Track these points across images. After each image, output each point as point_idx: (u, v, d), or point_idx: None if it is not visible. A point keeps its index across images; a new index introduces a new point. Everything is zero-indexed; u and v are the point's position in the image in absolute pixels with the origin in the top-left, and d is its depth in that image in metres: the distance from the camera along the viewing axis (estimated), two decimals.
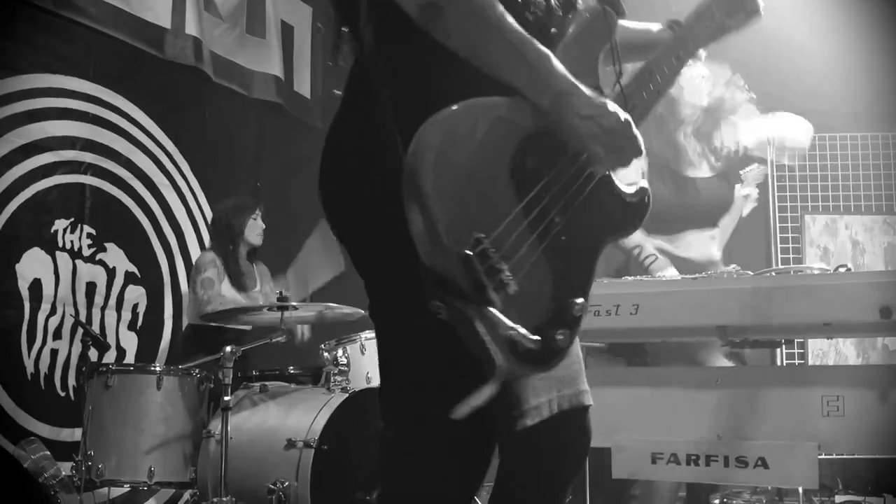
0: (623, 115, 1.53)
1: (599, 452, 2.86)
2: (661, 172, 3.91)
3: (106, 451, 3.73)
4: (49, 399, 4.35)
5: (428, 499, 1.57)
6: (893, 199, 6.10)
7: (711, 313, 2.75)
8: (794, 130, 4.27)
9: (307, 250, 4.79)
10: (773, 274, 2.96)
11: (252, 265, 4.79)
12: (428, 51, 1.50)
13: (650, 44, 1.86)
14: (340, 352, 4.06)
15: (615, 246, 3.85)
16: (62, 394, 4.42)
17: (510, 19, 1.48)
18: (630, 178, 1.70)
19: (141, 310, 4.90)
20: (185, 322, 4.91)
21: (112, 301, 4.73)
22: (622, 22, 1.78)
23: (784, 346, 5.24)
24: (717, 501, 4.48)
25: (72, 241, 4.52)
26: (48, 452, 3.81)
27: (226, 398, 3.70)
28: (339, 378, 3.96)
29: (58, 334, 4.42)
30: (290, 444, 3.61)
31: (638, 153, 1.57)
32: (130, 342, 4.83)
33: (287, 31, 6.10)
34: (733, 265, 3.41)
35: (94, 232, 4.64)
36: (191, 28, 5.15)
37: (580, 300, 1.52)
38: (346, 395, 3.79)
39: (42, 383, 4.35)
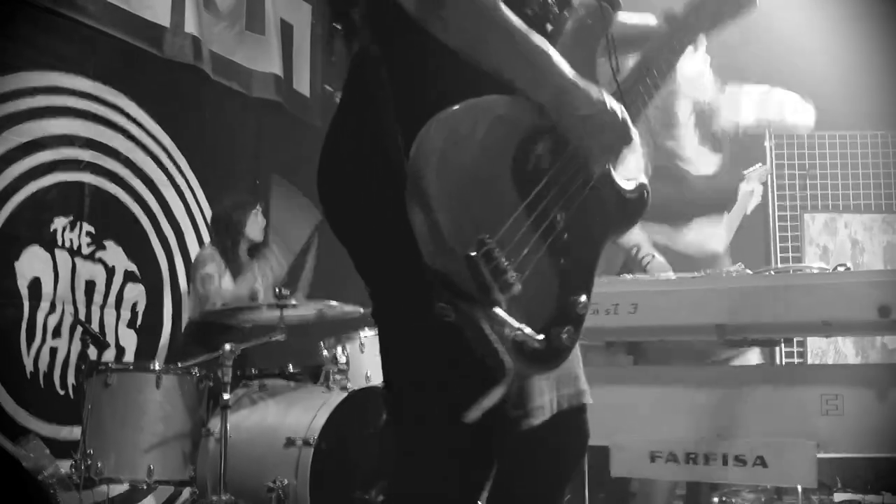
0: (620, 113, 1.53)
1: (599, 451, 2.87)
2: (659, 165, 3.91)
3: (105, 450, 3.73)
4: (48, 397, 4.35)
5: (428, 499, 1.57)
6: (893, 197, 6.10)
7: (710, 312, 2.76)
8: (795, 109, 4.27)
9: (275, 215, 4.79)
10: (772, 273, 2.96)
11: (254, 262, 4.79)
12: (428, 49, 1.50)
13: (646, 36, 1.85)
14: (340, 350, 4.06)
15: (614, 245, 3.85)
16: (61, 392, 4.42)
17: (510, 14, 1.47)
18: (629, 174, 1.70)
19: (140, 308, 4.90)
20: (185, 319, 4.92)
21: (111, 299, 4.73)
22: (618, 15, 1.78)
23: (783, 345, 5.23)
24: (716, 500, 4.48)
25: (71, 240, 4.52)
26: (47, 451, 3.82)
27: (225, 396, 3.71)
28: (338, 376, 3.96)
29: (57, 332, 4.42)
30: (290, 442, 3.62)
31: (629, 146, 1.57)
32: (130, 340, 4.83)
33: (286, 30, 6.09)
34: (739, 264, 3.41)
35: (93, 230, 4.64)
36: (190, 26, 5.15)
37: (583, 298, 1.52)
38: (346, 393, 3.79)
39: (41, 381, 4.35)
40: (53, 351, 4.40)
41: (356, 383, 3.96)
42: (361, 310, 4.15)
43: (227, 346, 3.78)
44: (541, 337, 1.42)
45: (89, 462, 3.68)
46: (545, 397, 1.62)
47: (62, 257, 4.47)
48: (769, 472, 2.69)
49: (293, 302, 4.01)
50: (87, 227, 4.60)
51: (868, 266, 5.73)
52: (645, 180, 1.72)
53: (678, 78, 3.89)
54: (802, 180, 6.13)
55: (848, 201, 6.13)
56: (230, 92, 5.61)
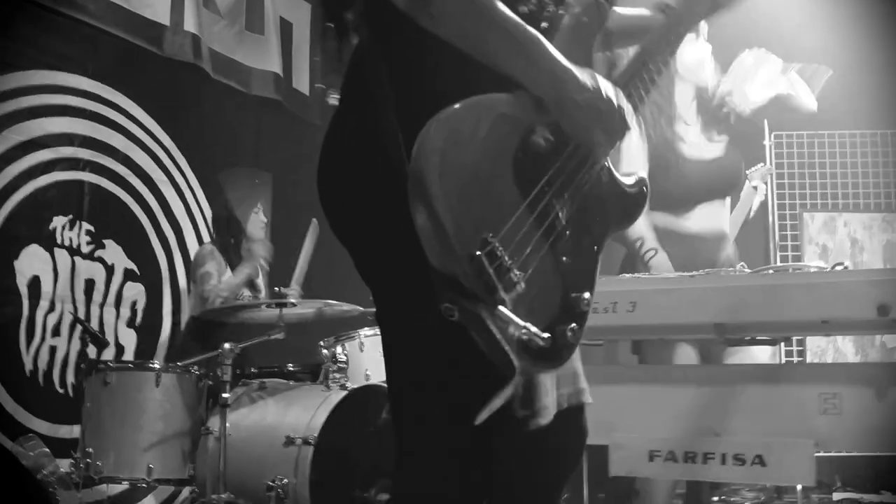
0: (617, 100, 1.53)
1: (599, 450, 2.87)
2: (666, 154, 3.91)
3: (104, 448, 3.73)
4: (48, 396, 4.35)
5: (428, 499, 1.57)
6: (892, 196, 6.10)
7: (709, 311, 2.76)
8: (800, 92, 4.27)
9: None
10: (772, 271, 2.96)
11: (250, 252, 4.80)
12: (426, 46, 1.50)
13: (645, 28, 1.85)
14: (339, 349, 4.06)
15: (617, 240, 3.86)
16: (61, 391, 4.42)
17: (501, 6, 1.47)
18: (629, 168, 1.70)
19: (139, 307, 4.90)
20: (185, 317, 4.93)
21: (111, 298, 4.73)
22: (615, 8, 1.78)
23: (783, 344, 5.24)
24: (715, 499, 4.49)
25: (70, 238, 4.53)
26: (47, 449, 3.82)
27: (224, 395, 3.71)
28: (337, 375, 3.96)
29: (56, 331, 4.42)
30: (289, 441, 3.62)
31: (628, 133, 1.57)
32: (129, 339, 4.83)
33: (286, 28, 6.09)
34: (741, 263, 3.42)
35: (92, 229, 4.64)
36: (189, 25, 5.14)
37: (587, 295, 1.52)
38: (345, 392, 3.79)
39: (41, 380, 4.35)
40: (53, 350, 4.40)
41: (355, 382, 3.95)
42: (361, 308, 4.16)
43: (227, 345, 3.78)
44: (546, 335, 1.42)
45: (89, 461, 3.68)
46: (550, 396, 1.62)
47: (62, 256, 4.47)
48: (768, 471, 2.69)
49: (292, 301, 4.01)
50: (86, 225, 4.61)
51: (867, 265, 5.73)
52: (644, 174, 1.72)
53: (678, 66, 3.89)
54: (802, 179, 6.13)
55: (847, 200, 6.13)
56: (230, 90, 5.61)
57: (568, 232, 1.51)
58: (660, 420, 2.85)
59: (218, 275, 4.57)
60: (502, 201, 1.43)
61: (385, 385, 3.94)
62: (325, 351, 4.07)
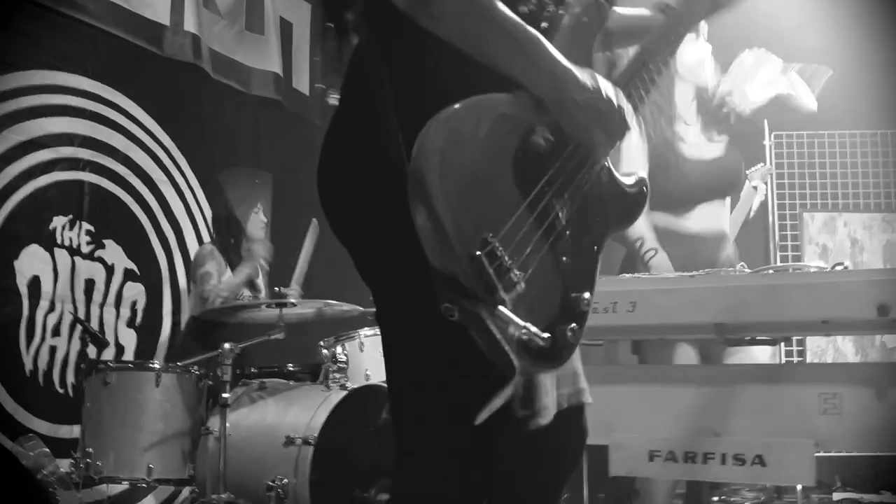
0: (617, 99, 1.53)
1: (599, 450, 2.87)
2: (666, 153, 3.91)
3: (104, 448, 3.73)
4: (48, 396, 4.35)
5: (428, 499, 1.57)
6: (892, 196, 6.10)
7: (709, 311, 2.76)
8: (800, 92, 4.27)
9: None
10: (771, 271, 2.96)
11: (250, 252, 4.80)
12: (427, 46, 1.50)
13: (645, 28, 1.85)
14: (339, 349, 4.06)
15: (617, 240, 3.86)
16: (61, 391, 4.42)
17: (501, 5, 1.47)
18: (629, 168, 1.70)
19: (139, 307, 4.90)
20: (185, 317, 4.93)
21: (111, 298, 4.73)
22: (616, 8, 1.78)
23: (783, 344, 5.24)
24: (715, 499, 4.49)
25: (70, 238, 4.53)
26: (47, 449, 3.82)
27: (224, 395, 3.71)
28: (337, 375, 3.96)
29: (56, 331, 4.42)
30: (289, 441, 3.62)
31: (628, 132, 1.57)
32: (129, 339, 4.83)
33: (286, 28, 6.09)
34: (741, 263, 3.42)
35: (92, 229, 4.64)
36: (189, 25, 5.15)
37: (587, 295, 1.52)
38: (345, 392, 3.79)
39: (41, 380, 4.35)
40: (53, 349, 4.40)
41: (355, 382, 3.95)
42: (361, 309, 4.16)
43: (227, 345, 3.78)
44: (546, 335, 1.42)
45: (89, 461, 3.68)
46: (550, 396, 1.62)
47: (61, 256, 4.47)
48: (768, 471, 2.69)
49: (292, 301, 4.01)
50: (86, 225, 4.60)
51: (867, 265, 5.74)
52: (644, 174, 1.72)
53: (678, 66, 3.90)
54: (802, 179, 6.13)
55: (847, 200, 6.13)
56: (230, 90, 5.61)
57: (568, 232, 1.51)
58: (660, 420, 2.85)
59: (218, 275, 4.58)
60: (502, 201, 1.43)
61: (385, 385, 3.95)
62: (325, 351, 4.07)
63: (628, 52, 1.74)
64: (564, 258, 1.50)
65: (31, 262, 4.33)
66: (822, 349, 5.58)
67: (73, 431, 4.14)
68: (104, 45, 4.74)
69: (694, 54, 3.94)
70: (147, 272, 4.97)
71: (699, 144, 4.01)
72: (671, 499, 3.79)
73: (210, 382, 3.98)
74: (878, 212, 6.06)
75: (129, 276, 4.85)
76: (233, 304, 4.45)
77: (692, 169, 3.96)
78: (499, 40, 1.47)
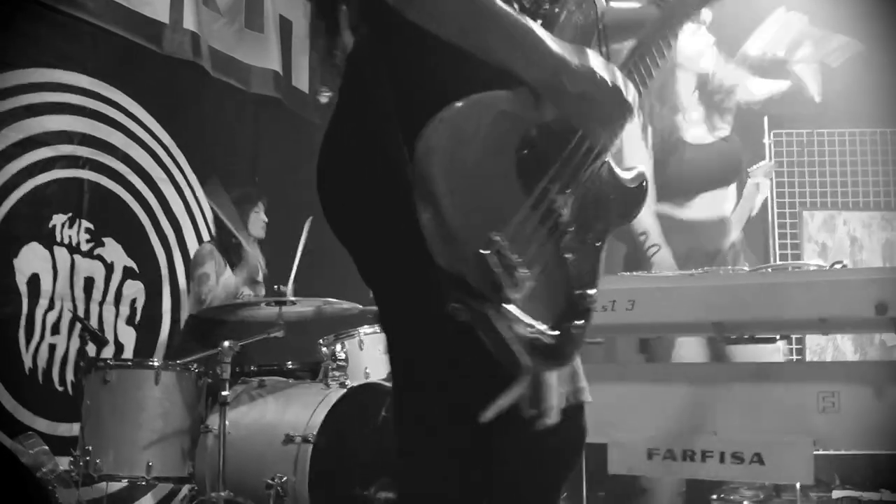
0: (613, 80, 1.50)
1: (598, 448, 2.87)
2: (664, 142, 3.92)
3: (104, 446, 3.73)
4: (47, 394, 4.36)
5: (428, 499, 1.57)
6: (892, 195, 6.10)
7: (708, 309, 2.76)
8: (808, 82, 4.28)
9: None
10: (770, 270, 2.96)
11: (256, 253, 4.80)
12: (426, 45, 1.50)
13: (638, 22, 1.84)
14: (339, 347, 4.06)
15: (621, 234, 3.87)
16: (60, 389, 4.42)
17: None
18: (631, 162, 1.70)
19: (139, 305, 4.90)
20: (185, 314, 4.93)
21: (110, 296, 4.73)
22: (611, 3, 1.78)
23: (782, 343, 5.23)
24: (714, 497, 4.49)
25: (70, 236, 4.53)
26: (46, 447, 3.82)
27: (224, 393, 3.71)
28: (337, 373, 3.96)
29: (56, 329, 4.42)
30: (289, 439, 3.62)
31: (631, 116, 1.56)
32: (128, 337, 4.83)
33: (285, 26, 6.09)
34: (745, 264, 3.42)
35: (92, 227, 4.64)
36: (189, 23, 5.14)
37: (591, 291, 1.52)
38: (344, 390, 3.79)
39: (40, 378, 4.35)
40: (52, 347, 4.40)
41: (355, 380, 3.96)
42: (360, 307, 4.16)
43: (226, 343, 3.78)
44: (554, 333, 1.42)
45: (88, 459, 3.68)
46: (556, 396, 1.62)
47: (61, 254, 4.47)
48: (766, 470, 2.70)
49: (291, 299, 4.01)
50: (85, 223, 4.61)
51: (867, 263, 5.74)
52: (644, 169, 1.72)
53: (679, 56, 3.90)
54: (801, 177, 6.13)
55: (847, 198, 6.13)
56: (229, 88, 5.61)
57: (571, 229, 1.51)
58: (659, 418, 2.85)
59: (216, 276, 4.57)
60: (507, 199, 1.43)
61: (385, 383, 3.97)
62: (324, 349, 4.08)
63: (624, 47, 1.74)
64: (568, 255, 1.50)
65: (30, 259, 4.33)
66: (821, 347, 5.59)
67: (73, 429, 4.14)
68: (104, 43, 4.74)
69: (695, 45, 3.94)
70: (146, 270, 4.97)
71: (701, 133, 4.02)
72: (676, 496, 3.79)
73: (209, 380, 3.98)
74: (877, 210, 6.06)
75: (128, 274, 4.85)
76: (232, 301, 4.45)
77: (693, 157, 3.97)
78: (489, 30, 1.46)
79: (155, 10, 4.97)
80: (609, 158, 1.62)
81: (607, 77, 1.50)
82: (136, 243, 4.93)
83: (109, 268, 4.74)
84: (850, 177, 6.12)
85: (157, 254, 5.08)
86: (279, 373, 4.17)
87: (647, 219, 3.85)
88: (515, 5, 1.53)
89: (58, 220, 4.47)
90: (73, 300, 4.52)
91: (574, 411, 1.69)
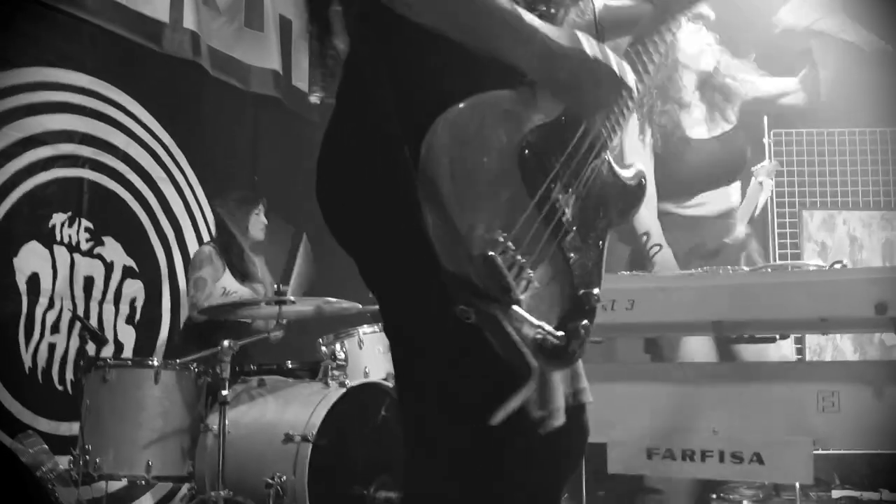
0: (605, 59, 1.49)
1: (598, 448, 2.87)
2: (666, 140, 3.91)
3: (104, 445, 3.73)
4: (47, 393, 4.36)
5: (428, 499, 1.58)
6: (892, 194, 6.10)
7: (707, 308, 2.76)
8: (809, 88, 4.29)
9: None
10: (770, 269, 2.96)
11: (254, 258, 4.80)
12: (426, 46, 1.49)
13: (633, 18, 1.84)
14: (338, 346, 4.07)
15: (624, 236, 3.87)
16: (60, 388, 4.42)
17: None
18: (630, 160, 1.71)
19: (139, 304, 4.90)
20: (183, 315, 4.92)
21: (110, 295, 4.73)
22: (607, 1, 1.78)
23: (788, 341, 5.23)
24: (714, 496, 4.49)
25: (70, 235, 4.53)
26: (46, 446, 3.82)
27: (223, 392, 3.71)
28: (336, 372, 3.97)
29: (55, 328, 4.42)
30: (288, 438, 3.62)
31: (630, 95, 1.55)
32: (128, 336, 4.83)
33: (285, 25, 6.09)
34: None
35: (91, 226, 4.64)
36: (189, 22, 5.14)
37: (596, 290, 1.53)
38: (344, 389, 3.79)
39: (40, 377, 4.35)
40: (52, 347, 4.40)
41: (354, 379, 3.96)
42: (360, 306, 4.16)
43: (226, 343, 3.78)
44: (560, 333, 1.42)
45: (88, 458, 3.68)
46: (561, 397, 1.62)
47: (61, 253, 4.47)
48: (765, 469, 2.70)
49: (291, 298, 4.01)
50: (85, 222, 4.61)
51: (866, 263, 5.73)
52: (642, 167, 1.72)
53: (681, 54, 3.90)
54: (801, 177, 6.12)
55: (847, 198, 6.13)
56: (229, 87, 5.61)
57: (574, 228, 1.51)
58: (658, 418, 2.85)
59: (213, 281, 4.56)
60: (511, 199, 1.43)
61: (384, 382, 3.97)
62: (324, 348, 4.08)
63: (620, 45, 1.73)
64: (572, 255, 1.51)
65: (30, 259, 4.33)
66: (820, 347, 5.59)
67: (73, 428, 4.14)
68: (104, 43, 4.74)
69: (696, 43, 3.94)
70: (146, 269, 4.97)
71: (703, 131, 4.02)
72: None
73: (209, 380, 3.98)
74: (877, 210, 6.06)
75: (128, 273, 4.85)
76: (232, 301, 4.45)
77: (696, 155, 3.97)
78: (480, 18, 1.45)
79: (155, 9, 4.97)
80: (609, 156, 1.62)
81: (601, 57, 1.49)
82: (135, 242, 4.93)
83: (109, 267, 4.74)
84: (850, 176, 6.11)
85: (156, 253, 5.08)
86: (279, 372, 4.17)
87: (648, 220, 3.85)
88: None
89: (58, 219, 4.47)
90: (73, 299, 4.52)
91: (576, 412, 1.69)
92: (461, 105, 1.40)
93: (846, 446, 4.09)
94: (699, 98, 4.01)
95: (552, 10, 1.59)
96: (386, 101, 1.51)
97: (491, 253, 1.36)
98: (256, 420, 3.81)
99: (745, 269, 2.95)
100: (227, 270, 4.63)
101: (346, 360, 4.03)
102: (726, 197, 4.05)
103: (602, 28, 1.67)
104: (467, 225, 1.36)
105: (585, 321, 1.49)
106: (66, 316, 4.45)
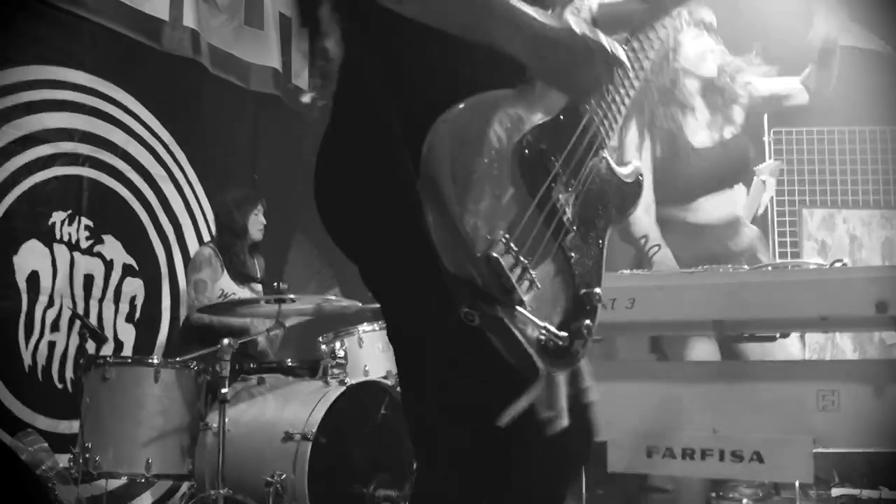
0: (597, 39, 1.49)
1: (597, 446, 2.86)
2: (669, 146, 3.91)
3: (103, 444, 3.73)
4: (47, 391, 4.35)
5: (429, 499, 1.58)
6: (891, 193, 6.10)
7: (708, 307, 2.76)
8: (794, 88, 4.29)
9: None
10: (770, 268, 2.96)
11: (253, 259, 4.80)
12: (426, 46, 1.49)
13: (627, 15, 1.84)
14: (338, 345, 4.07)
15: (625, 239, 3.86)
16: (60, 386, 4.42)
17: None
18: (629, 158, 1.71)
19: (138, 302, 4.90)
20: (184, 312, 4.92)
21: (110, 293, 4.73)
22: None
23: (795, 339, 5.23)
24: (713, 494, 4.49)
25: (69, 234, 4.52)
26: (46, 444, 3.82)
27: (223, 391, 3.71)
28: (336, 371, 3.96)
29: (55, 326, 4.42)
30: (288, 436, 3.62)
31: (622, 71, 1.55)
32: (128, 334, 4.83)
33: (285, 23, 6.08)
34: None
35: (91, 224, 4.64)
36: (189, 20, 5.14)
37: (597, 290, 1.53)
38: (344, 387, 3.79)
39: (40, 375, 4.35)
40: (52, 345, 4.40)
41: (354, 377, 3.96)
42: (359, 304, 4.15)
43: (226, 341, 3.78)
44: (564, 334, 1.42)
45: (87, 456, 3.68)
46: (565, 397, 1.61)
47: (60, 251, 4.47)
48: (765, 468, 2.70)
49: (291, 297, 4.01)
50: (85, 221, 4.60)
51: (866, 262, 5.73)
52: (639, 164, 1.72)
53: (682, 59, 3.90)
54: (801, 175, 6.12)
55: (846, 196, 6.13)
56: (229, 86, 5.61)
57: (574, 227, 1.51)
58: (658, 416, 2.85)
59: (212, 283, 4.54)
60: (513, 200, 1.43)
61: (384, 381, 3.96)
62: (323, 347, 4.08)
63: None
64: (573, 254, 1.51)
65: (29, 257, 4.33)
66: (820, 346, 5.59)
67: (72, 427, 4.14)
68: (103, 41, 4.73)
69: (697, 48, 3.94)
70: (146, 267, 4.97)
71: (706, 136, 4.02)
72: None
73: (209, 378, 3.98)
74: (876, 208, 6.06)
75: (127, 271, 4.85)
76: (231, 299, 4.45)
77: (698, 160, 3.96)
78: (469, 6, 1.45)
79: (154, 7, 4.96)
80: (607, 154, 1.62)
81: (589, 34, 1.48)
82: (135, 240, 4.92)
83: (109, 265, 4.74)
84: (850, 175, 6.11)
85: (156, 251, 5.08)
86: (278, 370, 4.17)
87: (646, 223, 3.86)
88: None
89: (57, 217, 4.47)
90: (73, 297, 4.52)
91: (581, 411, 1.69)
92: (460, 106, 1.40)
93: (846, 445, 4.08)
94: (703, 103, 4.01)
95: (548, 11, 1.58)
96: (386, 102, 1.51)
97: (494, 254, 1.35)
98: (256, 418, 3.81)
99: (746, 267, 2.95)
100: (226, 272, 4.62)
101: (345, 358, 4.03)
102: (731, 204, 4.04)
103: (597, 25, 1.67)
104: (469, 225, 1.35)
105: (588, 321, 1.49)
106: (66, 314, 4.45)
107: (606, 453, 2.91)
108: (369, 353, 4.16)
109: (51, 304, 4.40)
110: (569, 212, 1.50)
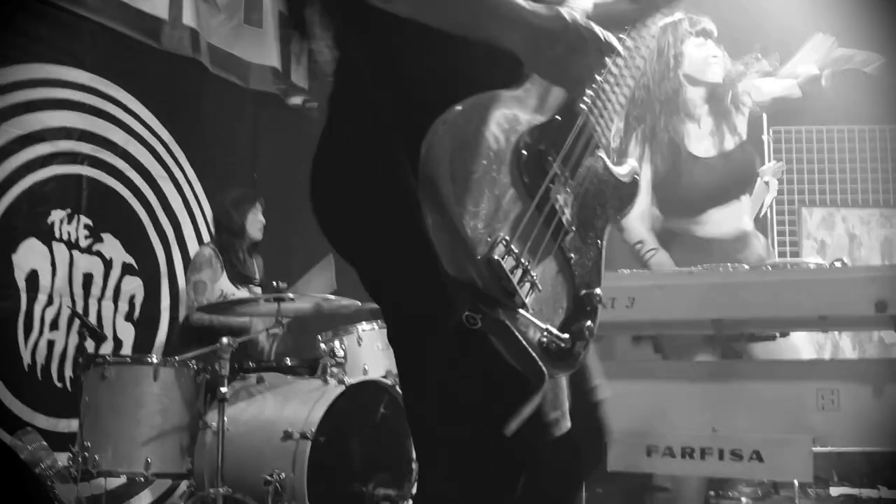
0: (587, 26, 1.49)
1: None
2: (671, 156, 3.90)
3: (102, 442, 3.73)
4: (46, 390, 4.36)
5: (429, 499, 1.58)
6: (890, 191, 6.11)
7: (707, 307, 2.76)
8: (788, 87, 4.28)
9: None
10: (769, 267, 2.96)
11: (252, 258, 4.80)
12: (425, 46, 1.49)
13: (622, 15, 1.84)
14: (337, 343, 4.07)
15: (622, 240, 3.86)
16: (59, 385, 4.42)
17: None
18: (622, 158, 1.70)
19: (138, 301, 4.91)
20: (183, 311, 4.92)
21: (109, 292, 4.73)
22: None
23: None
24: (713, 493, 4.49)
25: (69, 232, 4.53)
26: (45, 443, 3.82)
27: (222, 389, 3.71)
28: (335, 370, 3.97)
29: (55, 325, 4.42)
30: (287, 435, 3.62)
31: (613, 56, 1.55)
32: (127, 333, 4.83)
33: (285, 22, 6.08)
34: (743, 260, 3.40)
35: (90, 223, 4.64)
36: (188, 19, 5.14)
37: (597, 290, 1.52)
38: (343, 386, 3.79)
39: (39, 374, 4.35)
40: (51, 343, 4.40)
41: (353, 376, 3.96)
42: (359, 303, 4.15)
43: (225, 340, 3.78)
44: (566, 335, 1.42)
45: (87, 455, 3.68)
46: (568, 399, 1.61)
47: (60, 250, 4.47)
48: (765, 467, 2.70)
49: (290, 296, 4.01)
50: (84, 219, 4.61)
51: (866, 260, 5.74)
52: (636, 163, 1.72)
53: (686, 67, 3.89)
54: (800, 174, 6.13)
55: (846, 195, 6.13)
56: (228, 84, 5.61)
57: (573, 228, 1.51)
58: (658, 415, 2.85)
59: (211, 284, 4.55)
60: (512, 201, 1.42)
61: (383, 380, 3.96)
62: (323, 345, 4.08)
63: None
64: (572, 255, 1.50)
65: (29, 255, 4.33)
66: (820, 345, 5.59)
67: (71, 425, 4.14)
68: (103, 40, 4.74)
69: (700, 55, 3.93)
70: (145, 266, 4.97)
71: (710, 145, 4.00)
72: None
73: (208, 377, 3.98)
74: (876, 207, 6.06)
75: (127, 270, 4.85)
76: (231, 299, 4.45)
77: (703, 171, 3.94)
78: (458, 4, 1.46)
79: (154, 6, 4.96)
80: (603, 154, 1.62)
81: (580, 20, 1.48)
82: (134, 240, 4.93)
83: (108, 264, 4.74)
84: (849, 174, 6.12)
85: (155, 250, 5.08)
86: (278, 369, 4.17)
87: (640, 229, 3.84)
88: None
89: (56, 216, 4.47)
90: (72, 296, 4.52)
91: (591, 409, 1.69)
92: (458, 107, 1.39)
93: (845, 444, 4.07)
94: (707, 111, 3.99)
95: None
96: (384, 103, 1.51)
97: (496, 256, 1.35)
98: (255, 417, 3.81)
99: (745, 267, 2.94)
100: (225, 273, 4.62)
101: (345, 357, 4.03)
102: (738, 217, 4.01)
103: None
104: (469, 227, 1.34)
105: (589, 322, 1.48)
106: (65, 313, 4.45)
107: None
108: (368, 352, 4.16)
109: (50, 302, 4.41)
110: (567, 212, 1.50)
